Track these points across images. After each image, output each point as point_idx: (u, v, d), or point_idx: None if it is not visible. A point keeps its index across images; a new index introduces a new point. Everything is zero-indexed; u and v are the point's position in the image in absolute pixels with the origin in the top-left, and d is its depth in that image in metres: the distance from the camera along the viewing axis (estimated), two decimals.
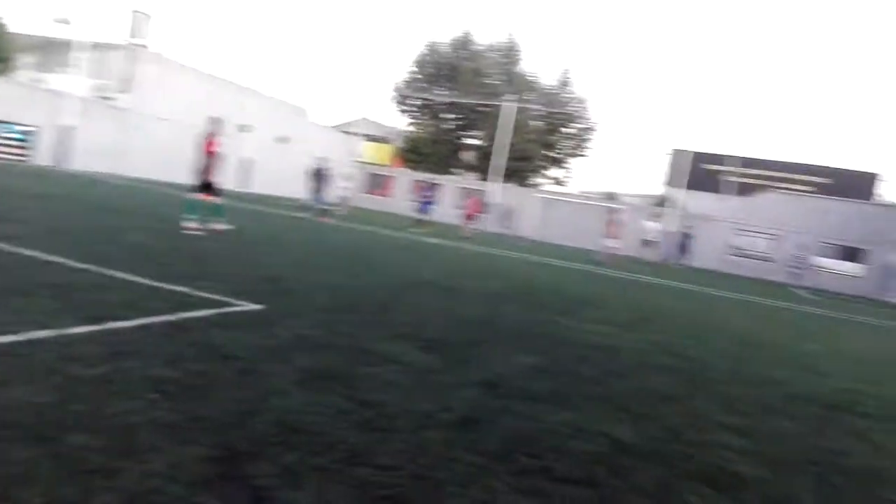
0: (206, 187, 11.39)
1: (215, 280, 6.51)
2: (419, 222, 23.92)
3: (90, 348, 3.76)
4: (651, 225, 27.78)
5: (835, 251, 33.93)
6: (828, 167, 47.93)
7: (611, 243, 21.72)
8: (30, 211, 10.50)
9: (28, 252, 6.39)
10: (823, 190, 43.89)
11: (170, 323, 4.60)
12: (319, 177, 20.66)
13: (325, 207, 20.36)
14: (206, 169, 11.43)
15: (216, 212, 11.46)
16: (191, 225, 10.77)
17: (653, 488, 3.15)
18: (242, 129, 33.91)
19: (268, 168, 35.70)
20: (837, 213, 32.92)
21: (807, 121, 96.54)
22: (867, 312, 19.05)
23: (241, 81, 35.47)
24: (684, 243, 29.50)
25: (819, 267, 32.02)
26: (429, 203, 25.12)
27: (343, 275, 9.07)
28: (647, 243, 26.94)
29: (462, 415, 3.73)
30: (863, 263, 32.92)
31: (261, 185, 34.24)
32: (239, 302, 5.65)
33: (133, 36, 31.94)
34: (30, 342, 3.69)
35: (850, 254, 33.53)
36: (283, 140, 37.11)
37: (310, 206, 20.80)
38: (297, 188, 37.23)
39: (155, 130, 28.40)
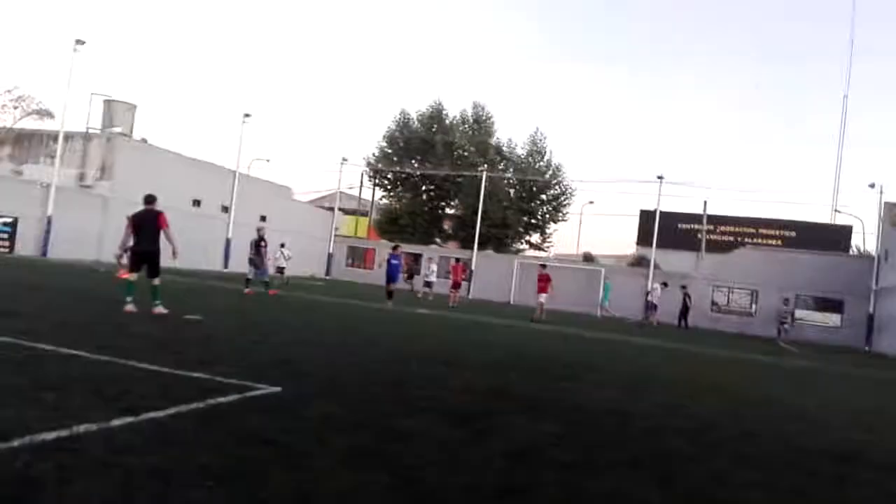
0: (154, 267, 10.82)
1: (229, 365, 6.61)
2: (390, 294, 20.66)
3: (135, 439, 3.85)
4: (656, 287, 28.66)
5: (812, 303, 34.62)
6: (799, 221, 49.26)
7: (542, 298, 21.86)
8: (32, 304, 10.51)
9: (46, 346, 6.46)
10: (795, 243, 45.00)
11: (201, 410, 4.70)
12: (259, 248, 19.05)
13: (267, 280, 19.15)
14: (158, 248, 10.85)
15: (158, 293, 10.76)
16: (129, 307, 10.31)
17: None
18: (224, 209, 34.23)
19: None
20: (811, 265, 33.76)
21: (770, 177, 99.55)
22: (849, 363, 19.43)
23: (226, 163, 35.95)
24: (685, 304, 29.78)
25: (800, 319, 32.61)
26: (397, 271, 21.78)
27: (345, 351, 9.17)
28: (651, 306, 27.69)
29: (500, 486, 3.86)
30: (840, 314, 33.60)
31: (242, 264, 34.21)
32: (259, 385, 5.74)
33: (109, 124, 32.47)
34: (76, 437, 3.77)
35: (827, 305, 34.22)
36: (262, 220, 37.41)
37: (254, 281, 19.05)
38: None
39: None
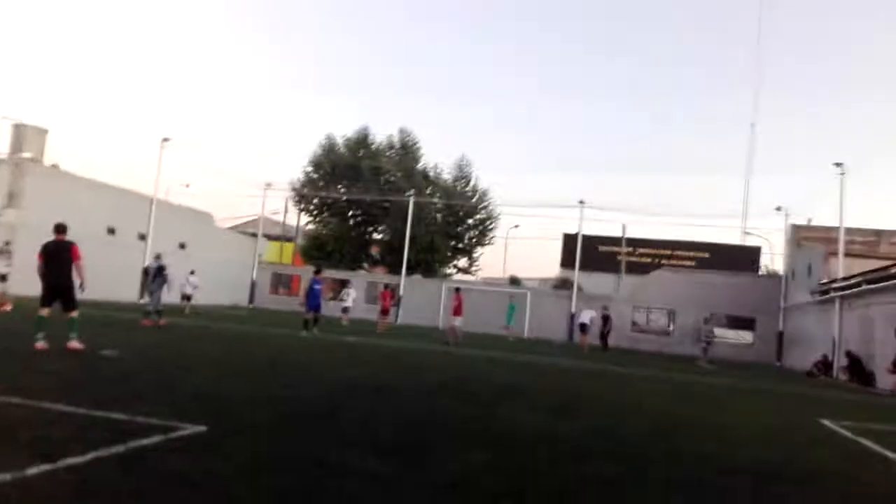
0: (69, 300, 10.32)
1: (148, 403, 6.38)
2: (307, 322, 19.60)
3: (55, 489, 3.68)
4: (586, 312, 29.17)
5: (725, 321, 36.22)
6: (712, 243, 51.54)
7: (456, 321, 22.03)
8: None
9: None
10: (708, 264, 47.02)
11: (123, 454, 4.52)
12: (156, 275, 18.20)
13: (160, 309, 17.78)
14: (71, 280, 10.33)
15: (74, 326, 10.29)
16: (39, 344, 9.79)
17: None
18: (140, 237, 33.10)
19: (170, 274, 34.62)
20: (724, 285, 35.35)
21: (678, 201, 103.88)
22: (762, 379, 20.39)
23: (144, 190, 34.75)
24: (606, 325, 30.44)
25: (715, 337, 34.07)
26: (316, 297, 20.19)
27: (271, 384, 9.00)
28: (583, 328, 28.10)
29: None
30: (752, 331, 35.28)
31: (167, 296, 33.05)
32: (181, 424, 5.57)
33: (17, 150, 30.96)
34: None
35: (741, 323, 35.88)
36: (182, 246, 36.35)
37: (148, 310, 17.97)
38: (205, 295, 36.36)
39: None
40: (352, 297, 30.46)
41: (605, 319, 30.44)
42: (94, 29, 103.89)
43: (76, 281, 10.48)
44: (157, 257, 18.88)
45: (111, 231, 30.97)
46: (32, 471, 3.92)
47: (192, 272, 29.03)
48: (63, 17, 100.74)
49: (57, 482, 3.80)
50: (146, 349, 11.97)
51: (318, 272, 21.39)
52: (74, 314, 10.26)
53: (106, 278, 24.41)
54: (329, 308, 28.92)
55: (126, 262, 31.50)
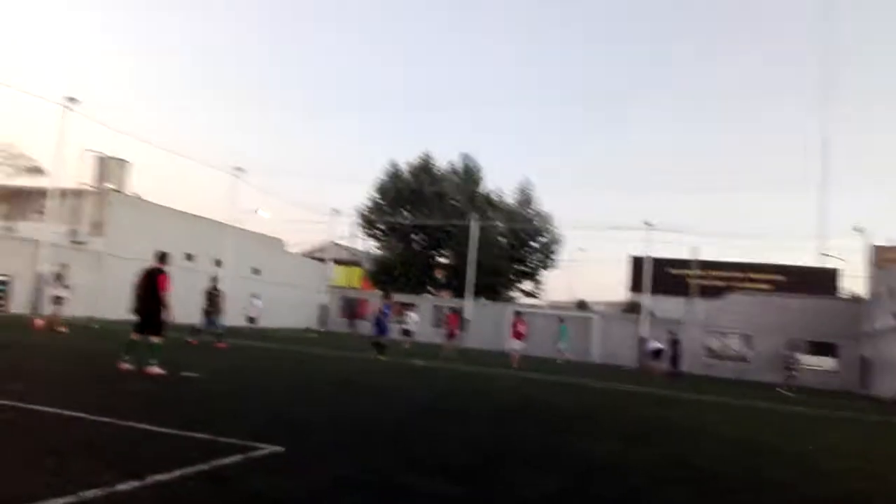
0: (153, 326, 10.62)
1: (228, 424, 6.58)
2: (378, 346, 19.42)
3: None
4: (654, 341, 28.63)
5: (805, 347, 34.68)
6: (787, 265, 49.69)
7: (516, 345, 21.60)
8: (28, 364, 10.44)
9: (43, 408, 6.43)
10: (784, 287, 45.32)
11: (207, 472, 4.67)
12: (213, 297, 18.59)
13: (220, 331, 18.17)
14: (157, 307, 10.65)
15: (155, 352, 10.47)
16: (125, 365, 10.20)
17: None
18: (217, 263, 34.25)
19: (243, 299, 35.72)
20: (802, 309, 33.94)
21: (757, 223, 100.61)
22: (847, 407, 19.41)
23: (218, 217, 36.06)
24: (676, 351, 29.59)
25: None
26: (384, 322, 20.01)
27: (344, 407, 9.14)
28: (655, 355, 27.50)
29: None
30: (834, 357, 33.67)
31: (235, 318, 34.01)
32: (261, 445, 5.71)
33: (102, 180, 32.69)
34: (83, 503, 3.75)
35: (822, 349, 34.30)
36: (256, 272, 37.45)
37: (200, 330, 18.33)
38: (276, 318, 37.31)
39: (130, 271, 28.49)
40: (414, 319, 30.44)
41: (675, 344, 29.61)
42: (171, 59, 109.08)
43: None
44: (214, 279, 19.51)
45: (189, 257, 32.20)
46: (122, 487, 4.10)
47: (255, 295, 29.95)
48: (140, 55, 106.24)
49: (147, 499, 3.97)
50: (224, 371, 12.36)
51: (387, 296, 21.52)
52: (156, 340, 10.61)
53: (185, 302, 25.39)
54: (392, 331, 28.95)
55: (203, 286, 32.68)
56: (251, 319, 29.39)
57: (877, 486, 6.76)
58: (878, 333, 30.26)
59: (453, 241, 46.08)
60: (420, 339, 37.07)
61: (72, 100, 27.75)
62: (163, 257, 10.99)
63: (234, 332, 27.98)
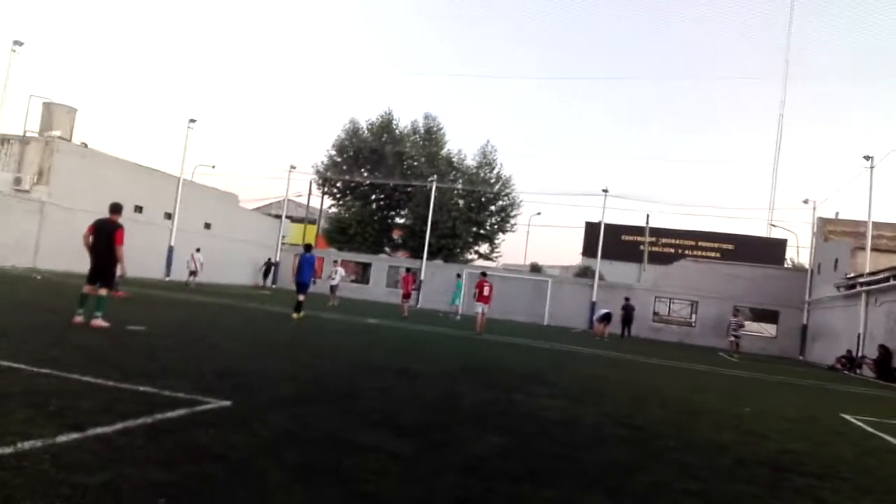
0: (105, 279, 10.45)
1: (174, 378, 6.51)
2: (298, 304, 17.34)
3: (83, 457, 3.77)
4: (605, 309, 29.07)
5: (749, 314, 35.84)
6: (737, 235, 50.96)
7: (479, 308, 20.08)
8: None
9: None
10: (733, 255, 46.53)
11: (149, 425, 4.62)
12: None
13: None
14: (112, 260, 10.46)
15: (101, 305, 10.24)
16: (78, 318, 10.06)
17: None
18: (167, 216, 33.50)
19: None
20: (748, 277, 34.97)
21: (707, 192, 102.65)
22: (785, 372, 20.21)
23: (170, 169, 35.14)
24: (628, 315, 30.33)
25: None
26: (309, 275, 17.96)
27: (294, 364, 9.11)
28: (604, 319, 27.89)
29: (454, 499, 3.92)
30: (776, 324, 34.90)
31: (182, 273, 33.39)
32: (206, 399, 5.68)
33: (48, 128, 31.43)
34: (21, 454, 3.68)
35: (765, 316, 35.51)
36: (207, 226, 36.76)
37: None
38: (228, 274, 36.71)
39: (74, 222, 27.62)
40: (340, 274, 29.97)
41: (628, 309, 30.36)
42: (121, 7, 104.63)
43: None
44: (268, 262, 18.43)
45: (138, 209, 31.38)
46: (62, 438, 4.03)
47: (198, 249, 29.87)
48: None
49: (86, 450, 3.91)
50: (171, 325, 12.18)
51: (308, 248, 19.20)
52: (103, 292, 10.39)
53: (133, 256, 24.82)
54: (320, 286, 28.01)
55: (153, 240, 31.97)
56: (192, 273, 29.29)
57: (809, 448, 7.08)
58: (820, 303, 31.44)
59: (412, 202, 45.90)
60: (376, 298, 37.16)
61: (17, 42, 26.50)
62: (118, 209, 10.73)
63: (179, 287, 27.60)
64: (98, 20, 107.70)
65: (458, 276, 31.64)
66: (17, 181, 27.66)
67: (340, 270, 30.34)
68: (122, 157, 32.03)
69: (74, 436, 4.12)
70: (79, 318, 10.07)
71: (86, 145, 31.96)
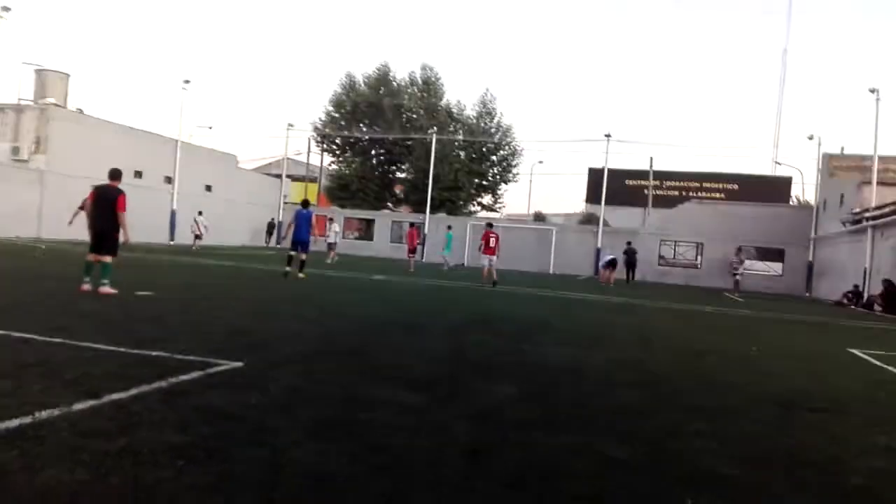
0: (109, 246, 10.45)
1: (185, 341, 6.56)
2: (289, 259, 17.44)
3: (100, 423, 3.82)
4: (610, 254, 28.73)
5: (755, 253, 35.82)
6: (741, 174, 50.55)
7: (486, 261, 19.93)
8: None
9: None
10: (738, 195, 46.27)
11: (163, 390, 4.67)
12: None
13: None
14: (115, 226, 10.45)
15: (106, 272, 10.30)
16: (85, 286, 10.13)
17: (650, 498, 3.47)
18: (167, 180, 33.38)
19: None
20: (753, 217, 34.86)
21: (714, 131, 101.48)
22: (792, 310, 20.29)
23: (167, 132, 34.88)
24: (631, 259, 30.30)
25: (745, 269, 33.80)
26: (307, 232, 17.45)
27: (302, 321, 9.18)
28: (609, 265, 27.60)
29: (467, 449, 3.98)
30: (781, 263, 34.91)
31: (187, 237, 33.41)
32: (219, 361, 5.73)
33: (42, 96, 31.11)
34: (40, 424, 3.72)
35: (771, 255, 35.49)
36: (208, 189, 36.65)
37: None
38: (231, 236, 36.72)
39: (74, 189, 27.55)
40: (335, 231, 29.75)
41: (631, 253, 30.36)
42: None
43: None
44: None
45: (138, 174, 31.25)
46: (78, 406, 4.08)
47: (200, 213, 29.84)
48: None
49: (103, 416, 3.96)
50: (179, 289, 12.25)
51: (305, 204, 18.62)
52: (108, 259, 10.41)
53: (135, 221, 24.82)
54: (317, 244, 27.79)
55: (154, 204, 31.92)
56: (197, 237, 29.35)
57: (817, 384, 7.15)
58: (825, 239, 31.39)
59: (413, 156, 45.53)
60: (381, 254, 37.22)
61: (5, 9, 26.04)
62: (117, 175, 10.67)
63: (184, 250, 27.65)
64: None
65: (449, 227, 31.30)
66: (15, 151, 27.52)
67: (335, 226, 30.11)
68: (118, 122, 31.78)
69: (91, 403, 4.17)
70: (86, 287, 10.13)
71: (81, 111, 31.69)
